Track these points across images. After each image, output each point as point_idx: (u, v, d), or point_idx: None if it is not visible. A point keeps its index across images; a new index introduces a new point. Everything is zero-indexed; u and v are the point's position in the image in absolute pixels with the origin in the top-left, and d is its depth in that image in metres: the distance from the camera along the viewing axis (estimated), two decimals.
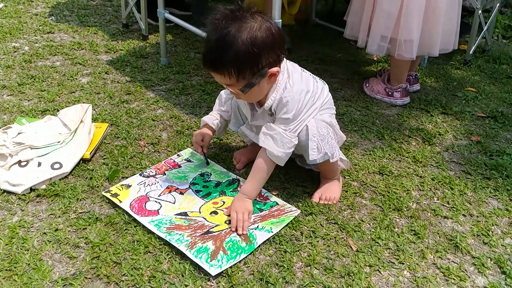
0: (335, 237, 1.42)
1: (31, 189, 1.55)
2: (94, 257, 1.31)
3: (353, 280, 1.27)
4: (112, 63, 2.53)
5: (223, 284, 1.24)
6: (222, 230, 1.43)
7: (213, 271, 1.27)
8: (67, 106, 1.99)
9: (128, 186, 1.59)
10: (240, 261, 1.31)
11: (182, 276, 1.26)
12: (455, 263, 1.36)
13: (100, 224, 1.43)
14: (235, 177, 1.67)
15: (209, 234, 1.40)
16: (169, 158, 1.76)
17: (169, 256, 1.32)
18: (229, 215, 1.46)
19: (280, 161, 1.45)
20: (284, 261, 1.32)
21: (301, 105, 1.42)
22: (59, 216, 1.46)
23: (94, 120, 1.94)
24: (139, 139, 1.87)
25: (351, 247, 1.39)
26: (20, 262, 1.28)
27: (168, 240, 1.36)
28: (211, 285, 1.24)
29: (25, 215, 1.46)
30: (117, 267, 1.28)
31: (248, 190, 1.47)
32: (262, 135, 1.45)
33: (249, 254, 1.34)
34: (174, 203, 1.54)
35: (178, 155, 1.79)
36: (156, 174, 1.66)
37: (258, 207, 1.52)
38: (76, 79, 2.34)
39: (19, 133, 1.74)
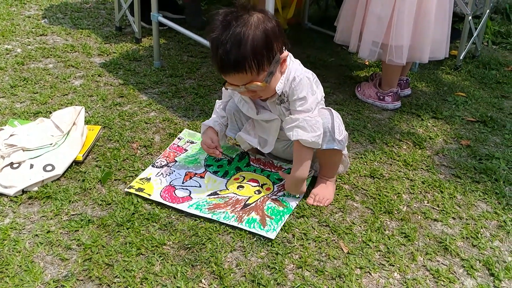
0: (326, 240, 1.43)
1: (23, 191, 1.55)
2: (86, 259, 1.31)
3: (344, 282, 1.29)
4: (105, 66, 2.53)
5: (215, 286, 1.25)
6: (256, 200, 1.51)
7: (271, 235, 1.38)
8: (59, 109, 1.99)
9: (148, 179, 1.62)
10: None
11: (174, 278, 1.27)
12: (444, 265, 1.38)
13: (92, 226, 1.43)
14: (242, 150, 1.74)
15: (248, 207, 1.48)
16: (172, 144, 1.81)
17: (161, 258, 1.33)
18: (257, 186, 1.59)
19: (315, 145, 1.48)
20: (275, 263, 1.33)
21: (311, 83, 1.47)
22: (51, 218, 1.45)
23: (87, 122, 1.94)
24: (132, 141, 1.87)
25: (342, 249, 1.40)
26: (11, 264, 1.28)
27: (216, 219, 1.43)
28: (203, 287, 1.25)
29: (17, 217, 1.45)
30: (109, 269, 1.29)
31: (299, 172, 1.51)
32: (289, 131, 1.47)
33: (290, 214, 1.49)
34: (200, 186, 1.59)
35: (178, 138, 1.84)
36: (168, 163, 1.70)
37: (276, 177, 1.61)
38: (69, 81, 2.34)
39: (11, 135, 1.74)
